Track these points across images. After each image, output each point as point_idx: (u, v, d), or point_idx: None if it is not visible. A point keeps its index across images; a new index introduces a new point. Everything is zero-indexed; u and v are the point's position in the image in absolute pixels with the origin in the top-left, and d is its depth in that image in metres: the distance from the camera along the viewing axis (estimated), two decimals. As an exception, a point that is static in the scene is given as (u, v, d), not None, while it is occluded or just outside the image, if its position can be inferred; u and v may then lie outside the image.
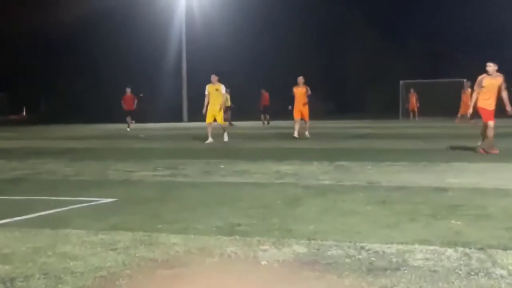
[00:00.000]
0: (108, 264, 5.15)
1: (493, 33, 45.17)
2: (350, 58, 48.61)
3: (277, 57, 46.54)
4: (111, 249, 5.65)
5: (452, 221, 6.61)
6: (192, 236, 6.13)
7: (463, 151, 15.49)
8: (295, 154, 15.09)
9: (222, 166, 12.59)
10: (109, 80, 46.81)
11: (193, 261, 5.19)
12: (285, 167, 12.30)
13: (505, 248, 5.38)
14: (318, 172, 11.40)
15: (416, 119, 40.96)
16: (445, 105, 40.74)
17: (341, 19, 48.47)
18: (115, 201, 8.52)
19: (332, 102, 47.14)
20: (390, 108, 44.38)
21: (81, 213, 7.63)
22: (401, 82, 44.93)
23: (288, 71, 42.27)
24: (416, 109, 41.96)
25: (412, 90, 41.93)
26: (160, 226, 6.66)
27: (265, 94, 37.50)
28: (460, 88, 43.34)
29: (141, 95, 48.61)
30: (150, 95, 48.27)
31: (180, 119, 48.10)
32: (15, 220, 7.18)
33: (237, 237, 6.04)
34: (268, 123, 36.14)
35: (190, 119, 45.18)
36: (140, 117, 38.15)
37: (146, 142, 22.41)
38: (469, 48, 45.24)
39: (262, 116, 37.37)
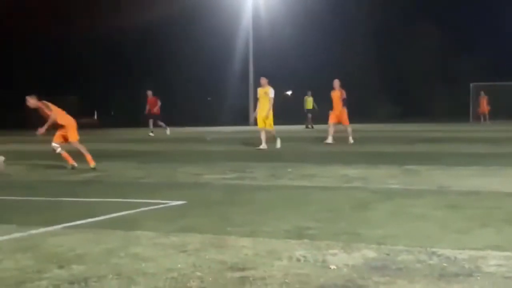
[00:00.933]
0: (179, 265, 5.22)
1: None
2: (418, 61, 47.96)
3: (343, 60, 46.29)
4: (182, 251, 5.72)
5: (526, 227, 6.47)
6: (260, 239, 6.16)
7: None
8: (362, 157, 14.97)
9: (290, 170, 12.60)
10: (176, 84, 47.39)
11: (262, 264, 5.22)
12: (353, 171, 12.22)
13: None
14: (386, 176, 11.29)
15: (488, 122, 40.12)
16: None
17: (409, 22, 47.89)
18: (184, 203, 8.63)
19: (400, 106, 46.62)
20: (460, 111, 43.59)
21: (151, 215, 7.76)
22: (471, 84, 44.09)
23: (353, 74, 42.02)
24: (487, 112, 41.11)
25: (482, 93, 41.10)
26: (229, 228, 6.72)
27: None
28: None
29: (208, 98, 49.09)
30: (217, 98, 48.65)
31: (246, 123, 48.41)
32: (88, 222, 7.35)
33: (305, 240, 6.04)
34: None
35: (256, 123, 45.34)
36: (207, 120, 38.54)
37: (213, 145, 22.61)
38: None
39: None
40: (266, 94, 18.87)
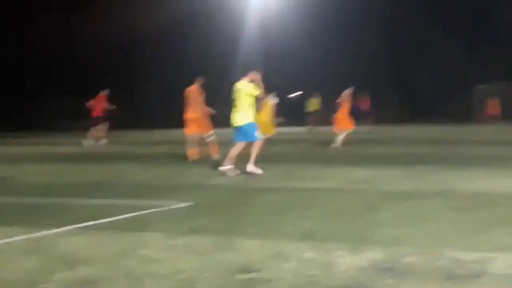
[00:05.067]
0: (187, 267, 5.23)
1: None
2: (425, 63, 47.82)
3: (353, 63, 46.12)
4: (190, 253, 5.74)
5: (534, 229, 6.45)
6: (268, 240, 6.17)
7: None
8: (370, 159, 14.95)
9: (298, 172, 12.61)
10: (182, 85, 47.21)
11: (270, 266, 5.23)
12: (361, 173, 12.21)
13: None
14: (394, 178, 11.28)
15: (496, 123, 39.97)
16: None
17: (416, 24, 47.74)
18: (192, 205, 8.65)
19: (407, 107, 46.40)
20: (467, 113, 43.37)
21: (160, 217, 7.78)
22: (476, 86, 43.94)
23: (363, 77, 41.94)
24: (497, 113, 40.97)
25: (493, 95, 40.96)
26: (237, 230, 6.73)
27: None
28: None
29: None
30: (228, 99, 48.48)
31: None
32: (98, 223, 7.38)
33: (313, 242, 6.04)
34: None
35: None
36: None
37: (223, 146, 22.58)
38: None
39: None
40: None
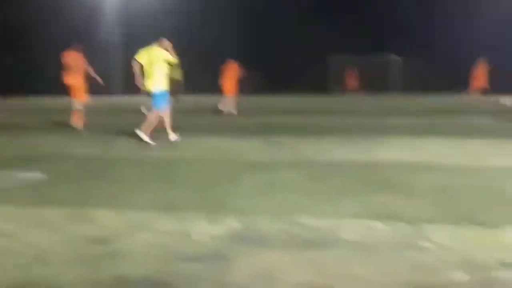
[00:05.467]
0: (40, 240, 5.07)
1: (420, 17, 45.96)
2: (282, 34, 48.52)
3: (215, 34, 46.02)
4: (43, 225, 5.56)
5: (383, 196, 6.74)
6: (125, 211, 6.09)
7: (395, 126, 15.76)
8: (231, 130, 15.07)
9: (157, 142, 12.49)
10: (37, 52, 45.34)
11: (125, 237, 5.16)
12: (220, 143, 12.29)
13: (432, 222, 5.53)
14: (252, 148, 11.43)
15: (354, 94, 41.39)
16: (377, 80, 41.40)
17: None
18: (47, 176, 8.35)
19: (265, 78, 46.96)
20: (322, 83, 44.58)
21: (12, 189, 7.48)
22: (331, 57, 45.20)
23: (223, 47, 42.00)
24: (355, 85, 42.40)
25: (351, 66, 42.27)
26: (92, 202, 6.59)
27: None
28: (387, 64, 44.09)
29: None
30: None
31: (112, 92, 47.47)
32: None
33: (171, 212, 6.02)
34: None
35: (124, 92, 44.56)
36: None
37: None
38: (400, 26, 45.93)
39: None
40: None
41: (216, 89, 23.58)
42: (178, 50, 13.04)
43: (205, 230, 5.36)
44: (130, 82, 14.79)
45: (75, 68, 15.52)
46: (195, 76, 33.29)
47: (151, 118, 12.51)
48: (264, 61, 28.57)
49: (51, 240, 5.09)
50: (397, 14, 45.53)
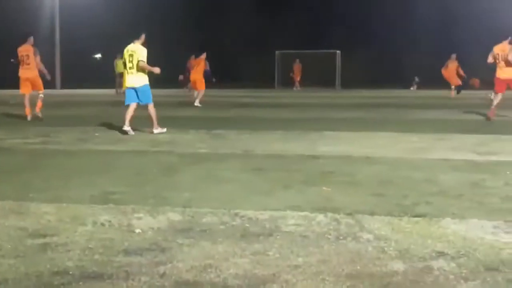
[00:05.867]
0: (-25, 234, 4.97)
1: (362, 7, 46.56)
2: (227, 28, 48.56)
3: (157, 31, 45.45)
4: (-21, 219, 5.45)
5: (323, 188, 6.82)
6: (64, 204, 6.00)
7: (336, 120, 15.94)
8: (171, 122, 14.98)
9: (97, 134, 12.37)
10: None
11: (65, 230, 5.10)
12: (161, 136, 12.24)
13: (371, 213, 5.61)
14: (194, 140, 11.42)
15: (298, 88, 41.64)
16: (321, 75, 41.76)
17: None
18: (-17, 169, 8.20)
19: (212, 73, 46.84)
20: (267, 78, 44.84)
21: None
22: (276, 52, 45.46)
23: (168, 44, 41.69)
24: (299, 78, 42.67)
25: (297, 61, 42.47)
26: (31, 195, 6.48)
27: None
28: (333, 58, 44.51)
29: (12, 60, 46.42)
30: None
31: (53, 86, 46.65)
32: None
33: (111, 205, 5.97)
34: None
35: (64, 86, 43.83)
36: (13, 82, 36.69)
37: (16, 108, 21.56)
38: (341, 21, 46.49)
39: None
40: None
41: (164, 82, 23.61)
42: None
43: (146, 223, 5.34)
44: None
45: (30, 61, 15.89)
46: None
47: (153, 112, 12.82)
48: (212, 57, 28.61)
49: (-13, 233, 4.99)
50: (340, 8, 46.15)
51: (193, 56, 26.30)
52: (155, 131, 12.68)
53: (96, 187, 6.86)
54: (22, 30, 42.44)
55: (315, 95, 31.92)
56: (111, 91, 33.98)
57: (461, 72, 28.93)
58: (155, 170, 8.08)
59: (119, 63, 34.59)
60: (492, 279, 3.94)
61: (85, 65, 43.86)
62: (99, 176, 7.63)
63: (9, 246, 4.65)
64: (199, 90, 23.45)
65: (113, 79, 34.89)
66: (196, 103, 22.65)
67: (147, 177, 7.59)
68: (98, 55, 45.38)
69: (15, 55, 16.17)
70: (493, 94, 16.90)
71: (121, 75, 34.47)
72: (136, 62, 12.46)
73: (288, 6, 47.31)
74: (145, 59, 12.52)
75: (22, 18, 43.05)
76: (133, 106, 12.82)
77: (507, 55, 15.68)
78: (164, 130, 12.80)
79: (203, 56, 23.78)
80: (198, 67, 23.58)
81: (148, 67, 12.60)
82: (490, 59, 16.26)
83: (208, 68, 24.91)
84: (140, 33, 12.83)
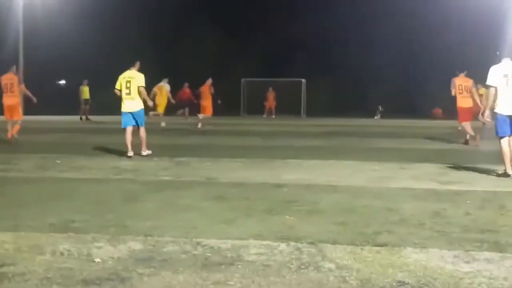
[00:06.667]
0: None
1: (326, 37, 47.09)
2: (194, 55, 48.62)
3: (120, 55, 45.19)
4: None
5: (286, 217, 6.82)
6: (23, 233, 5.92)
7: (299, 148, 16.00)
8: (134, 149, 14.89)
9: (59, 161, 12.23)
10: None
11: (23, 259, 5.01)
12: (124, 163, 12.17)
13: (334, 242, 5.62)
14: (157, 168, 11.36)
15: (273, 116, 41.72)
16: (286, 103, 41.92)
17: (186, 17, 48.56)
18: None
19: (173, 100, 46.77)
20: (233, 105, 44.83)
21: None
22: (242, 80, 45.62)
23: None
24: (273, 107, 42.78)
25: (270, 89, 42.61)
26: (-11, 223, 6.37)
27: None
28: (298, 87, 44.82)
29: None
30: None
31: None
32: None
33: (71, 234, 5.90)
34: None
35: (26, 112, 43.31)
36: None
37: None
38: (305, 50, 47.00)
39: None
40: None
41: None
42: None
43: (106, 252, 5.27)
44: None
45: (14, 89, 16.91)
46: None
47: (144, 135, 13.66)
48: (175, 86, 28.69)
49: None
50: (305, 37, 46.63)
51: (186, 84, 31.12)
52: (143, 153, 13.40)
53: (56, 215, 6.77)
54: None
55: (280, 123, 32.06)
56: (75, 118, 33.70)
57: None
58: (116, 198, 8.00)
59: (84, 90, 34.46)
60: (452, 309, 3.97)
61: (49, 91, 43.42)
62: (60, 204, 7.54)
63: (-35, 276, 4.55)
64: (206, 114, 26.32)
65: (78, 106, 34.63)
66: (199, 126, 25.62)
67: (108, 205, 7.52)
68: (62, 81, 44.92)
69: None
70: (461, 125, 17.39)
71: (86, 101, 34.54)
72: (134, 87, 13.26)
73: (255, 35, 47.74)
74: (144, 85, 13.43)
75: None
76: (130, 129, 13.52)
77: (471, 87, 16.31)
78: (150, 152, 13.51)
79: (209, 82, 26.48)
80: (206, 93, 26.28)
81: (145, 96, 13.55)
82: (453, 92, 16.80)
83: (213, 91, 26.90)
84: (135, 60, 13.68)
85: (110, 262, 4.97)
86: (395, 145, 17.30)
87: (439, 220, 6.74)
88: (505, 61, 10.45)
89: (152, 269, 4.77)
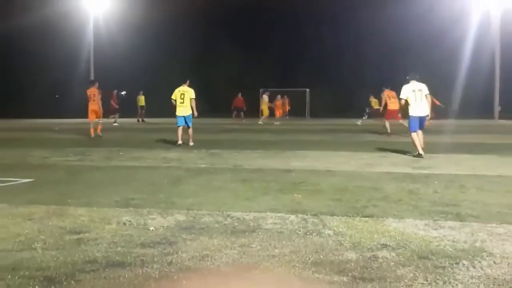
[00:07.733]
0: (26, 231, 4.93)
1: (326, 55, 47.04)
2: (221, 71, 48.67)
3: (168, 72, 45.23)
4: (28, 219, 5.41)
5: (295, 195, 6.82)
6: (95, 208, 5.97)
7: (305, 142, 15.96)
8: (180, 145, 14.95)
9: (121, 153, 12.31)
10: (28, 83, 43.97)
11: (95, 228, 5.06)
12: (171, 154, 12.20)
13: (332, 214, 5.62)
14: (196, 158, 11.38)
15: (287, 118, 41.51)
16: (293, 107, 41.81)
17: (212, 40, 48.80)
18: (33, 181, 8.13)
19: (209, 104, 46.96)
20: (256, 109, 44.82)
21: (3, 190, 7.24)
22: (260, 89, 45.51)
23: (168, 84, 41.53)
24: (287, 110, 42.58)
25: (279, 96, 42.41)
26: (69, 201, 6.43)
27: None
28: (303, 95, 44.71)
29: (56, 96, 46.19)
30: (66, 96, 45.37)
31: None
32: None
33: (131, 208, 5.94)
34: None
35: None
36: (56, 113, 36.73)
37: (60, 133, 21.44)
38: (309, 64, 47.09)
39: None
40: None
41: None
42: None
43: (158, 222, 5.31)
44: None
45: (96, 99, 18.08)
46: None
47: (192, 132, 14.58)
48: (207, 92, 29.02)
49: (35, 230, 4.94)
50: (309, 53, 46.60)
51: (239, 94, 34.69)
52: (191, 143, 14.25)
53: (119, 194, 6.82)
54: (64, 72, 42.35)
55: (289, 123, 31.97)
56: (133, 120, 33.87)
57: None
58: (165, 181, 8.04)
59: (141, 98, 34.60)
60: (423, 265, 3.96)
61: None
62: (122, 186, 7.59)
63: (52, 241, 4.61)
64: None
65: (135, 111, 34.81)
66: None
67: (159, 186, 7.56)
68: (124, 92, 45.21)
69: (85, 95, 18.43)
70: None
71: (142, 107, 34.68)
72: (187, 99, 14.22)
73: (268, 53, 47.86)
74: (195, 97, 14.34)
75: (62, 63, 42.91)
76: (181, 128, 14.46)
77: (394, 96, 18.24)
78: (193, 144, 14.25)
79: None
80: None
81: (194, 107, 14.36)
82: (384, 99, 19.59)
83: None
84: (186, 79, 14.70)
85: (161, 230, 5.01)
86: (377, 139, 17.19)
87: (413, 196, 6.70)
88: (412, 82, 11.68)
89: (193, 235, 4.80)
